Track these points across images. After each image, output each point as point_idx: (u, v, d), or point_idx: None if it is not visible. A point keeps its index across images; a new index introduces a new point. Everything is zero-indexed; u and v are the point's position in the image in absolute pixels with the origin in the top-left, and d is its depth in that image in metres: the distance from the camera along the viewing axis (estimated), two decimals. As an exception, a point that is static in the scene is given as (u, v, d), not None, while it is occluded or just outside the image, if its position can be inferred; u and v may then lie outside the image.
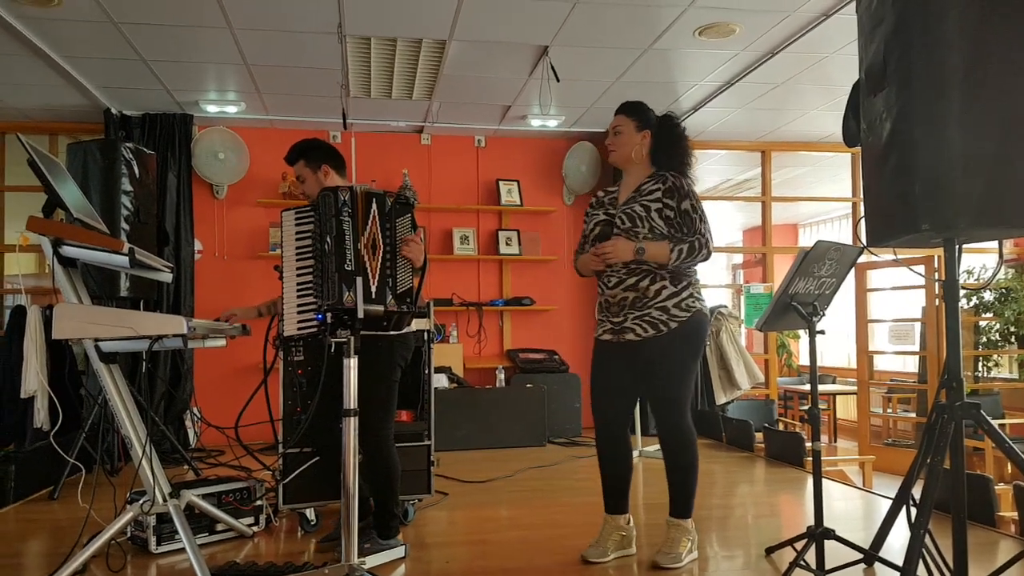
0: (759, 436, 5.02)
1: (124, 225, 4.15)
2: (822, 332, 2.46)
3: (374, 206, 2.40)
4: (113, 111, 5.20)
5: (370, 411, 2.31)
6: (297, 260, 2.47)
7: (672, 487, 2.65)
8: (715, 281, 10.72)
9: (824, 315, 2.52)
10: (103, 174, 4.06)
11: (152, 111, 5.32)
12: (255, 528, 3.04)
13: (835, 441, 8.05)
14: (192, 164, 5.46)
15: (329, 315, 2.30)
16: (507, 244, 5.99)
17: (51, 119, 5.36)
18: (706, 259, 2.58)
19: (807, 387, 7.86)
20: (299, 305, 2.43)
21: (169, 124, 5.36)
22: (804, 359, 9.86)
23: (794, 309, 2.43)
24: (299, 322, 2.42)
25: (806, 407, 7.93)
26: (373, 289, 2.34)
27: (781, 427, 6.31)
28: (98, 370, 2.48)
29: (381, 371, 2.65)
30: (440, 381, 5.10)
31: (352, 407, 2.33)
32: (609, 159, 2.73)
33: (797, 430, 6.15)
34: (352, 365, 2.33)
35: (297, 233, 2.49)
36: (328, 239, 2.35)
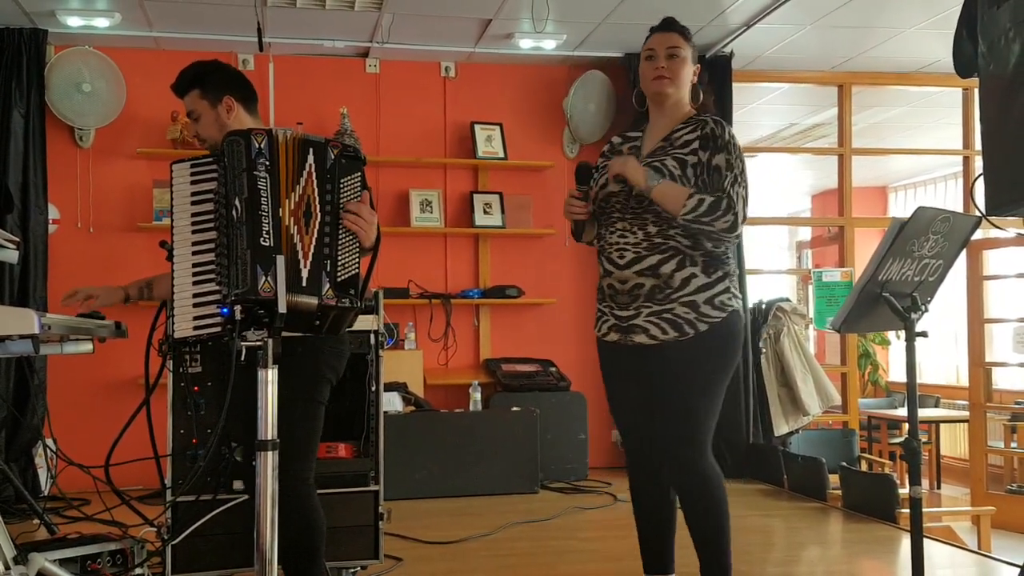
0: (834, 479, 5.07)
1: (-53, 183, 4.13)
2: (923, 334, 2.49)
3: (310, 157, 2.38)
4: (-66, 24, 5.14)
5: (283, 444, 2.31)
6: (193, 232, 2.44)
7: (699, 553, 2.69)
8: (772, 265, 10.81)
9: (927, 310, 2.54)
10: (-83, 111, 4.02)
11: (-11, 24, 5.26)
12: (134, 606, 3.03)
13: (938, 487, 8.15)
14: (46, 99, 5.40)
15: (238, 309, 2.28)
16: (485, 212, 5.99)
17: None
18: (729, 231, 2.57)
19: (901, 412, 7.94)
20: (196, 295, 2.41)
21: (14, 43, 5.30)
22: (896, 374, 9.97)
23: (885, 302, 2.45)
24: (195, 319, 2.40)
25: (899, 440, 8.00)
26: (304, 273, 2.33)
27: (865, 467, 6.38)
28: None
29: (302, 388, 2.63)
30: (392, 403, 5.10)
31: (270, 437, 2.32)
32: (657, 90, 2.72)
33: (887, 471, 6.23)
34: (271, 379, 2.32)
35: (193, 195, 2.46)
36: (237, 202, 2.33)
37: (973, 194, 2.48)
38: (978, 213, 2.48)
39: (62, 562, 2.91)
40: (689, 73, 2.77)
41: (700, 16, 5.37)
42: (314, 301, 2.32)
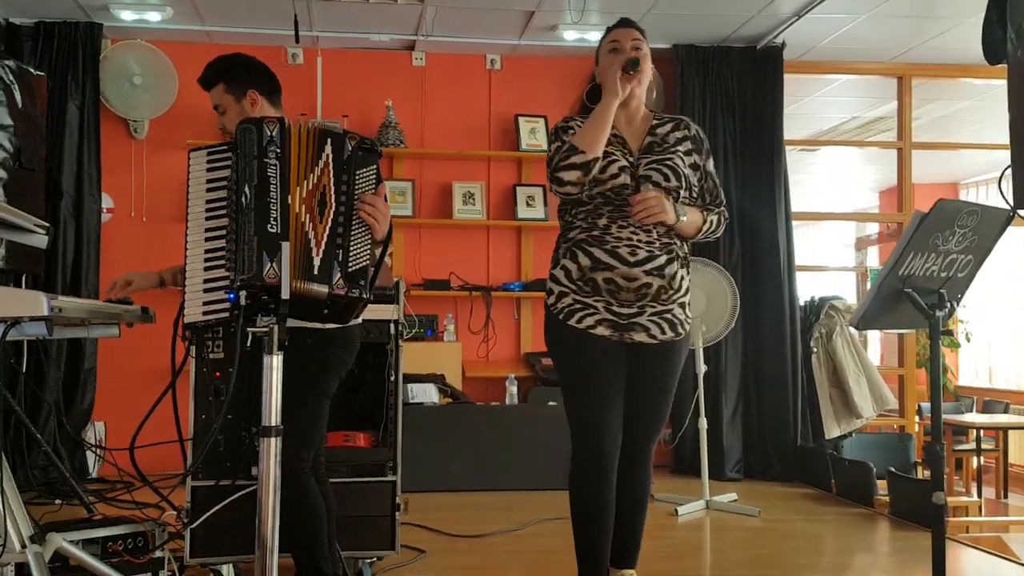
0: (882, 485, 4.93)
1: (0, 172, 4.25)
2: (949, 333, 2.39)
3: (328, 148, 2.40)
4: (-5, 18, 5.33)
5: (285, 432, 2.32)
6: (207, 219, 2.48)
7: (631, 535, 2.84)
8: (830, 261, 10.55)
9: (955, 307, 2.45)
10: (-29, 102, 4.15)
11: (48, 18, 5.42)
12: (153, 589, 3.08)
13: (1005, 496, 7.86)
14: (101, 91, 5.54)
15: (243, 295, 2.30)
16: (528, 205, 5.97)
17: (-87, 28, 5.49)
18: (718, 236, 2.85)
19: (968, 417, 7.70)
20: (206, 280, 2.44)
21: (70, 36, 5.45)
22: (966, 377, 9.66)
23: (908, 298, 2.36)
24: (205, 304, 2.44)
25: (965, 447, 7.77)
26: (316, 262, 2.35)
27: (921, 474, 6.18)
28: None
29: (310, 379, 2.64)
30: (428, 394, 5.11)
31: (274, 424, 2.34)
32: (632, 88, 2.71)
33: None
34: (275, 365, 2.33)
35: (208, 182, 2.50)
36: (247, 189, 2.35)
37: (1002, 187, 2.36)
38: (1009, 205, 2.38)
39: (85, 543, 2.98)
40: (650, 69, 2.77)
41: (749, 5, 5.26)
42: (325, 290, 2.34)
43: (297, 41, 5.21)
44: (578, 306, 2.69)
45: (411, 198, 5.85)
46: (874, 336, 8.05)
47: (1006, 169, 2.30)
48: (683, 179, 2.70)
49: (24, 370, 5.22)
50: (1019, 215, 2.42)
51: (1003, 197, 2.38)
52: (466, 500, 4.86)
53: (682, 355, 2.78)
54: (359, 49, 5.91)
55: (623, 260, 2.65)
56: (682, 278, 2.72)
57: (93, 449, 5.15)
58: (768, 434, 5.81)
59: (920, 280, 2.38)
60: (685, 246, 2.77)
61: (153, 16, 5.39)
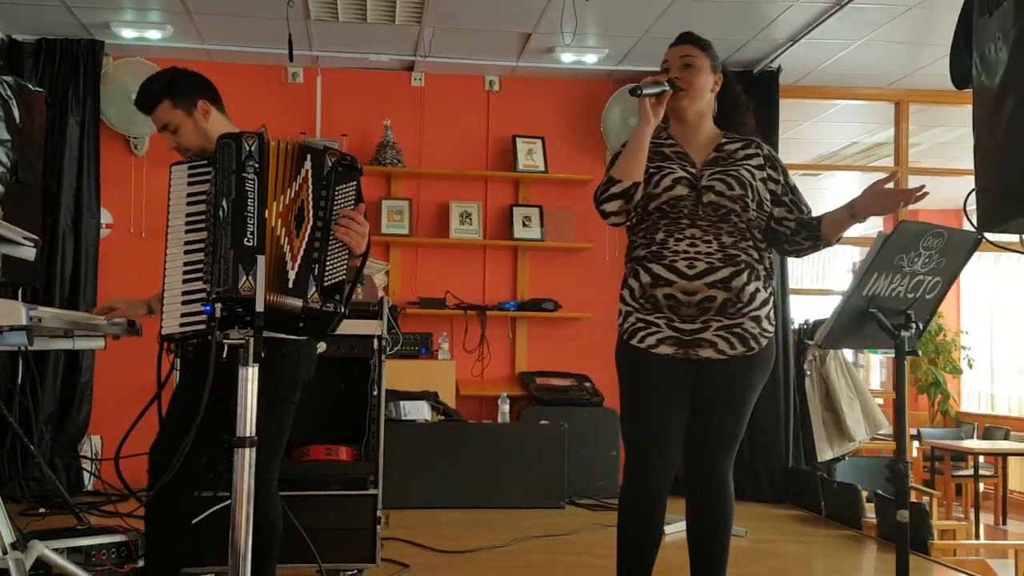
0: (872, 507, 4.92)
1: (-4, 185, 4.33)
2: (914, 353, 2.41)
3: (307, 164, 2.43)
4: (-2, 34, 5.42)
5: (258, 446, 2.35)
6: (187, 232, 2.51)
7: (702, 567, 2.68)
8: (821, 283, 10.49)
9: (921, 329, 2.46)
10: (-30, 116, 4.23)
11: (50, 35, 5.51)
12: (135, 598, 3.13)
13: (1004, 522, 7.82)
14: (101, 108, 5.63)
15: (219, 307, 2.34)
16: (524, 225, 6.01)
17: (-81, 44, 5.59)
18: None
19: (968, 443, 7.70)
20: (184, 293, 2.48)
21: (71, 53, 5.54)
22: (968, 404, 9.63)
23: (873, 318, 2.38)
24: (183, 315, 2.47)
25: (964, 472, 7.74)
26: (291, 276, 2.38)
27: (914, 498, 6.16)
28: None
29: (278, 391, 2.67)
30: (420, 411, 5.14)
31: (248, 435, 2.37)
32: (676, 102, 2.64)
33: (924, 499, 6.00)
34: (250, 376, 2.36)
35: (189, 196, 2.53)
36: (224, 203, 2.39)
37: (966, 210, 2.39)
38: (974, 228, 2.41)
39: (69, 552, 3.03)
40: (707, 83, 2.69)
41: (744, 30, 5.32)
42: (299, 303, 2.36)
43: (291, 60, 5.27)
44: (640, 324, 2.61)
45: (408, 217, 5.90)
46: (875, 360, 8.04)
47: (970, 193, 2.34)
48: (749, 188, 2.61)
49: (21, 383, 5.31)
50: (986, 239, 2.44)
51: (968, 221, 2.41)
52: (454, 517, 4.87)
53: (758, 370, 2.64)
54: (358, 69, 5.98)
55: (681, 274, 2.56)
56: (755, 291, 2.59)
57: (72, 461, 5.20)
58: (759, 456, 5.82)
59: (886, 300, 2.40)
60: (765, 258, 2.67)
61: (154, 34, 5.47)
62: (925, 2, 4.86)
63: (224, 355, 2.38)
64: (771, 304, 2.66)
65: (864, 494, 5.07)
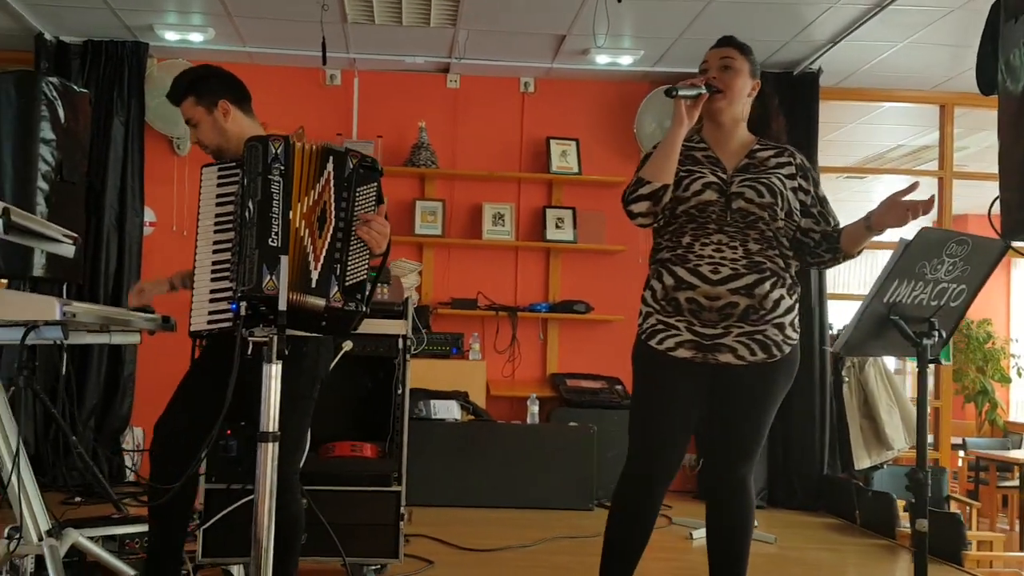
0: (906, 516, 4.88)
1: (41, 184, 4.44)
2: (936, 361, 2.40)
3: (330, 165, 2.48)
4: (47, 36, 5.57)
5: (281, 440, 2.41)
6: (215, 231, 2.59)
7: (727, 570, 2.69)
8: (864, 289, 10.32)
9: (944, 337, 2.44)
10: (18, 117, 4.33)
11: (96, 37, 5.66)
12: (166, 587, 3.21)
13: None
14: (146, 109, 5.75)
15: (243, 305, 2.41)
16: (557, 227, 6.04)
17: (-27, 46, 5.78)
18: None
19: (1015, 453, 7.56)
20: (212, 291, 2.55)
21: (117, 55, 5.68)
22: (1017, 413, 9.45)
23: (894, 326, 2.37)
24: (210, 313, 2.54)
25: (1010, 483, 7.59)
26: (314, 276, 2.43)
27: (954, 508, 6.08)
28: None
29: (298, 388, 2.73)
30: (449, 410, 5.20)
31: (271, 430, 2.44)
32: (713, 104, 2.63)
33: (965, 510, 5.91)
34: (274, 373, 2.43)
35: (218, 197, 2.61)
36: (250, 204, 2.46)
37: (991, 218, 2.37)
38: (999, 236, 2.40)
39: (104, 539, 3.13)
40: (745, 86, 2.68)
41: (783, 31, 5.30)
42: (322, 303, 2.42)
43: (324, 62, 5.34)
44: (660, 327, 2.62)
45: (441, 218, 5.96)
46: (911, 369, 7.94)
47: (994, 201, 2.32)
48: (779, 196, 2.60)
49: (65, 376, 5.46)
50: (1012, 248, 2.42)
51: (992, 228, 2.39)
52: (482, 516, 4.91)
53: (779, 378, 2.63)
54: (395, 71, 6.05)
55: (705, 279, 2.56)
56: (780, 298, 2.58)
57: (111, 453, 5.33)
58: (794, 462, 5.78)
59: (909, 308, 2.39)
60: (791, 267, 2.66)
61: (196, 37, 5.59)
62: (968, 4, 4.79)
63: (249, 352, 2.46)
64: (796, 312, 2.65)
65: (901, 503, 5.03)
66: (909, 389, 7.85)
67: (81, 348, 5.47)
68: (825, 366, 5.84)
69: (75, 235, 3.25)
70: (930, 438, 6.13)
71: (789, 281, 2.63)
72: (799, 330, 2.66)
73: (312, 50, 5.68)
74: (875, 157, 8.04)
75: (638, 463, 2.68)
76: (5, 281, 5.24)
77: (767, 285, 2.56)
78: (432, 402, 5.18)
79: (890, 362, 6.85)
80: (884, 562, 4.43)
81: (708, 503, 2.77)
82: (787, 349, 2.61)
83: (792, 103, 5.96)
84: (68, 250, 3.19)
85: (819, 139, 5.97)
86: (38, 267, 4.32)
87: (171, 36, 5.59)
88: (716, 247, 2.58)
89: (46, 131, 4.43)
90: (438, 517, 4.71)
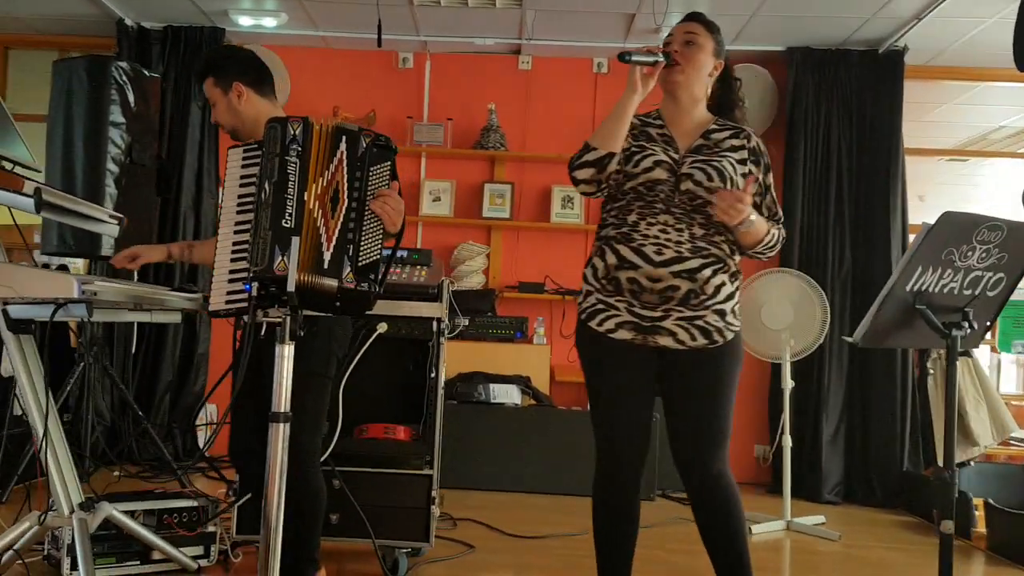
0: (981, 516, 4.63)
1: (111, 166, 4.63)
2: (967, 354, 2.24)
3: (343, 145, 2.49)
4: (128, 22, 5.77)
5: (295, 418, 2.43)
6: (237, 212, 2.61)
7: (721, 559, 2.60)
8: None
9: (975, 328, 2.28)
10: (89, 100, 4.53)
11: (176, 23, 5.83)
12: (203, 562, 3.29)
13: None
14: (221, 92, 5.91)
15: (255, 286, 2.43)
16: (626, 211, 5.93)
17: (60, 31, 6.03)
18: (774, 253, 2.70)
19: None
20: (231, 272, 2.58)
21: (195, 40, 5.83)
22: None
23: (921, 315, 2.22)
24: (229, 293, 2.57)
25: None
26: (326, 256, 2.44)
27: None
28: (5, 340, 2.80)
29: (316, 364, 2.75)
30: (509, 395, 5.17)
31: (283, 410, 2.46)
32: (670, 76, 2.58)
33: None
34: (287, 354, 2.45)
35: (242, 178, 2.63)
36: (267, 185, 2.48)
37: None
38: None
39: (145, 514, 3.23)
40: (706, 64, 2.61)
41: (863, 7, 5.06)
42: (334, 283, 2.42)
43: (379, 45, 5.34)
44: (601, 306, 2.59)
45: (510, 201, 5.93)
46: (1008, 360, 7.49)
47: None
48: (728, 182, 2.53)
49: (135, 353, 5.68)
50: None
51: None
52: (535, 502, 4.89)
53: (726, 365, 2.56)
54: (466, 53, 6.04)
55: (648, 259, 2.50)
56: (721, 284, 2.54)
57: (186, 428, 5.51)
58: (872, 458, 5.55)
59: (937, 297, 2.24)
60: (736, 253, 2.62)
61: (269, 22, 5.70)
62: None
63: (262, 333, 2.48)
64: (736, 299, 2.60)
65: (981, 503, 4.77)
66: (1006, 383, 7.44)
67: (157, 327, 5.68)
68: (908, 359, 5.57)
69: (120, 216, 3.36)
70: (1020, 432, 5.78)
71: (732, 268, 2.59)
72: (739, 315, 2.61)
73: (385, 33, 5.74)
74: (978, 139, 7.62)
75: (606, 459, 2.65)
76: (82, 263, 5.51)
77: (709, 271, 2.52)
78: (492, 386, 5.17)
79: (983, 354, 6.47)
80: (962, 563, 4.19)
81: (691, 503, 2.65)
82: (729, 336, 2.56)
83: (876, 82, 5.69)
84: (112, 230, 3.29)
85: (915, 120, 5.69)
86: (106, 247, 4.51)
87: (245, 21, 5.71)
88: (662, 227, 2.53)
89: (116, 114, 4.61)
90: (490, 501, 4.71)
